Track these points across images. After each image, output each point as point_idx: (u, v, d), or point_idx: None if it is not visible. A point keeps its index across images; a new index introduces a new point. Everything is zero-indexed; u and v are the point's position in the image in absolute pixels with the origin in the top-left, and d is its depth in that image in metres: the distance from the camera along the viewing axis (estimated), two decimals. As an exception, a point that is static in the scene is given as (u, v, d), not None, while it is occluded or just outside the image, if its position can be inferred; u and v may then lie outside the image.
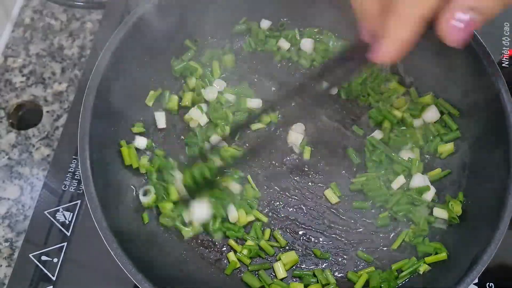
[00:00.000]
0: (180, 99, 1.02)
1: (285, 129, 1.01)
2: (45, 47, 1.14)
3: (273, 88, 1.05)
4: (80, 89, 1.06)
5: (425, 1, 0.56)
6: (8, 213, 0.98)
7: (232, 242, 0.91)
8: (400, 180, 0.94)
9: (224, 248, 0.92)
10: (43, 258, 0.92)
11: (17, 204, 0.99)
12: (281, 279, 0.89)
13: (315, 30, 1.09)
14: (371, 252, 0.92)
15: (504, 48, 1.14)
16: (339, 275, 0.90)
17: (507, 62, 1.13)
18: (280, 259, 0.90)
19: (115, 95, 0.91)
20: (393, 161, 0.96)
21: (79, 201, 0.97)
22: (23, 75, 1.11)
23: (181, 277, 0.87)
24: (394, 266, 0.89)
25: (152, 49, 0.97)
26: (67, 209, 0.96)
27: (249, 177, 0.95)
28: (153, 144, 0.98)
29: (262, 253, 0.91)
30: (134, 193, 0.92)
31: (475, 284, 0.92)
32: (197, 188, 0.86)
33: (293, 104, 1.04)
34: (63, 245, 0.93)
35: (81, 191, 0.97)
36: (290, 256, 0.90)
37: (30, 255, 0.92)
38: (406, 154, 0.97)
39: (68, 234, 0.94)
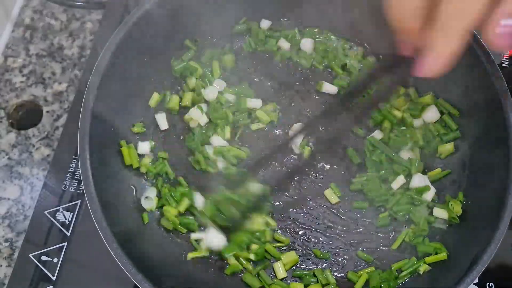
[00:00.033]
0: (180, 99, 1.02)
1: (285, 129, 1.01)
2: (45, 47, 1.14)
3: (273, 88, 1.05)
4: (80, 89, 1.06)
5: (470, 12, 0.55)
6: (8, 213, 0.98)
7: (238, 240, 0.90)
8: (400, 180, 0.94)
9: (224, 248, 0.92)
10: (43, 258, 0.92)
11: (17, 204, 0.99)
12: (281, 279, 0.89)
13: (315, 30, 1.09)
14: (371, 252, 0.92)
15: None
16: (339, 275, 0.90)
17: (507, 62, 1.13)
18: (280, 259, 0.90)
19: (115, 95, 0.91)
20: (393, 161, 0.96)
21: (79, 201, 0.97)
22: (23, 75, 1.11)
23: (181, 277, 0.87)
24: (394, 266, 0.89)
25: (152, 49, 0.97)
26: (67, 209, 0.96)
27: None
28: (156, 144, 0.98)
29: (268, 256, 0.90)
30: (134, 193, 0.92)
31: (475, 284, 0.92)
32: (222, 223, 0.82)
33: (293, 104, 1.04)
34: (63, 245, 0.93)
35: (81, 191, 0.97)
36: (290, 256, 0.90)
37: (30, 255, 0.92)
38: (406, 154, 0.97)
39: (68, 234, 0.94)
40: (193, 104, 1.01)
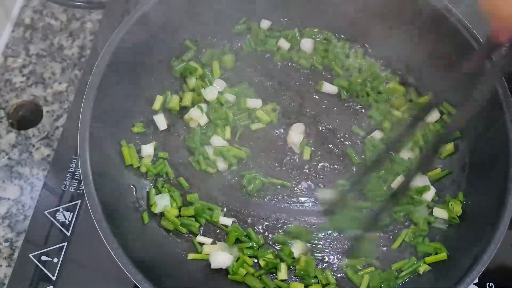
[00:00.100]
0: (180, 99, 1.02)
1: (285, 129, 1.01)
2: (45, 47, 1.14)
3: (273, 88, 1.05)
4: (80, 89, 1.06)
5: None
6: (8, 213, 0.98)
7: (246, 257, 0.90)
8: (400, 180, 0.94)
9: (224, 248, 0.92)
10: (43, 258, 0.92)
11: (17, 204, 0.99)
12: (282, 281, 0.89)
13: (315, 30, 1.09)
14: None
15: (504, 48, 1.14)
16: (339, 275, 0.90)
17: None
18: (283, 260, 0.90)
19: (115, 95, 0.91)
20: (393, 161, 0.96)
21: (79, 201, 0.97)
22: (23, 75, 1.11)
23: (181, 277, 0.87)
24: (394, 266, 0.89)
25: (152, 49, 0.97)
26: (67, 209, 0.96)
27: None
28: (157, 145, 0.98)
29: (278, 262, 0.90)
30: (134, 193, 0.92)
31: (475, 284, 0.92)
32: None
33: (293, 104, 1.04)
34: (63, 245, 0.93)
35: (81, 191, 0.97)
36: (298, 245, 0.90)
37: (30, 255, 0.92)
38: (406, 154, 0.97)
39: (68, 234, 0.94)
40: (193, 104, 1.01)
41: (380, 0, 0.99)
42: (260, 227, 0.94)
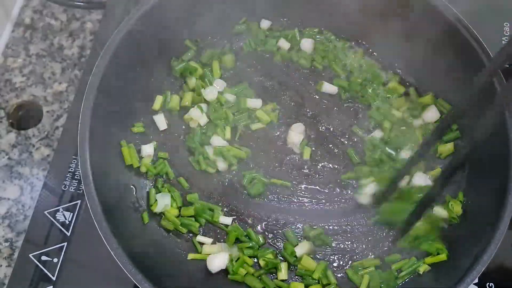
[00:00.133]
0: (180, 99, 1.02)
1: (285, 129, 1.01)
2: (45, 47, 1.14)
3: (273, 88, 1.05)
4: (80, 89, 1.06)
5: None
6: (8, 213, 0.98)
7: (246, 258, 0.90)
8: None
9: (224, 248, 0.92)
10: (43, 258, 0.92)
11: (17, 204, 0.99)
12: (282, 281, 0.89)
13: (315, 30, 1.09)
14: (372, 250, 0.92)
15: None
16: (339, 275, 0.90)
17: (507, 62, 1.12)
18: (284, 259, 0.90)
19: (115, 95, 0.91)
20: (393, 160, 0.96)
21: (79, 201, 0.97)
22: (23, 75, 1.11)
23: (181, 277, 0.87)
24: (394, 266, 0.89)
25: (152, 49, 0.97)
26: (67, 209, 0.96)
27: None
28: (157, 144, 0.98)
29: (278, 262, 0.90)
30: (134, 193, 0.92)
31: (475, 284, 0.92)
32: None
33: (293, 104, 1.04)
34: (63, 245, 0.93)
35: (81, 191, 0.97)
36: (305, 246, 0.90)
37: (30, 255, 0.92)
38: (406, 154, 0.97)
39: (68, 234, 0.94)
40: (193, 104, 1.01)
41: (380, 0, 0.99)
42: (260, 227, 0.94)
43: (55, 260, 0.92)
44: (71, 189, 0.98)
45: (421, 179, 0.93)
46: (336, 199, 0.96)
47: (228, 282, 0.89)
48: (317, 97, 1.05)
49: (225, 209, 0.95)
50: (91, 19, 1.18)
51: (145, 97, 0.99)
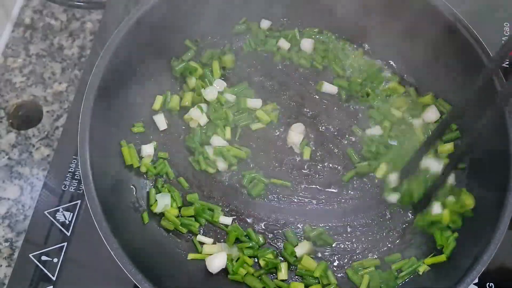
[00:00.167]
0: (180, 99, 1.02)
1: (285, 129, 1.01)
2: (45, 47, 1.14)
3: (273, 88, 1.05)
4: (80, 89, 1.06)
5: None
6: (8, 213, 0.98)
7: (246, 258, 0.90)
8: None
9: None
10: (43, 258, 0.92)
11: (17, 204, 0.99)
12: (282, 281, 0.89)
13: (315, 30, 1.09)
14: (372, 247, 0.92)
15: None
16: (339, 275, 0.90)
17: (507, 62, 1.12)
18: (284, 259, 0.90)
19: (115, 95, 0.91)
20: (390, 149, 0.96)
21: (79, 201, 0.97)
22: (23, 75, 1.11)
23: (181, 277, 0.87)
24: (394, 266, 0.89)
25: (152, 49, 0.97)
26: (67, 209, 0.96)
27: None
28: (157, 144, 0.98)
29: (278, 262, 0.90)
30: (134, 193, 0.92)
31: (475, 284, 0.92)
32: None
33: (293, 104, 1.04)
34: (63, 245, 0.93)
35: (81, 191, 0.97)
36: (305, 245, 0.90)
37: (30, 255, 0.92)
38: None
39: (68, 234, 0.94)
40: (193, 104, 1.01)
41: (380, 0, 0.99)
42: (260, 227, 0.94)
43: (55, 260, 0.92)
44: (71, 189, 0.98)
45: (435, 165, 0.93)
46: (336, 199, 0.96)
47: (228, 282, 0.89)
48: (317, 97, 1.05)
49: (225, 209, 0.95)
50: (91, 19, 1.18)
51: (145, 97, 0.99)
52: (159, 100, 1.00)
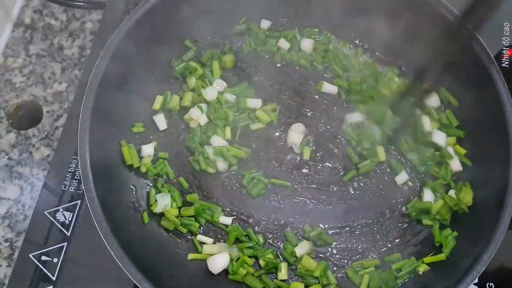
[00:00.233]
0: (180, 99, 1.02)
1: (285, 129, 1.01)
2: (45, 47, 1.14)
3: (273, 88, 1.05)
4: (80, 89, 1.06)
5: None
6: (8, 213, 0.98)
7: (246, 257, 0.90)
8: (403, 177, 0.96)
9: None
10: (43, 258, 0.92)
11: (17, 204, 0.99)
12: (282, 281, 0.89)
13: (315, 30, 1.09)
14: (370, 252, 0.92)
15: (504, 48, 1.14)
16: (339, 275, 0.90)
17: (507, 62, 1.13)
18: (284, 259, 0.91)
19: (115, 95, 0.91)
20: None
21: (79, 201, 0.97)
22: (23, 75, 1.11)
23: (181, 277, 0.87)
24: (394, 266, 0.89)
25: (152, 49, 0.97)
26: (67, 209, 0.96)
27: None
28: (157, 145, 0.98)
29: (278, 262, 0.90)
30: (134, 193, 0.92)
31: (475, 284, 0.92)
32: None
33: (293, 104, 1.04)
34: (63, 245, 0.93)
35: (81, 191, 0.97)
36: (305, 245, 0.90)
37: (30, 255, 0.92)
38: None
39: (68, 234, 0.94)
40: (193, 104, 1.01)
41: (379, 0, 0.99)
42: (260, 227, 0.94)
43: (55, 260, 0.92)
44: (71, 189, 0.98)
45: (440, 138, 0.96)
46: (336, 199, 0.96)
47: (228, 282, 0.89)
48: (317, 97, 1.05)
49: (225, 209, 0.95)
50: (91, 19, 1.18)
51: (145, 97, 0.99)
52: (159, 100, 1.00)
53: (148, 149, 0.96)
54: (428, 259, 0.88)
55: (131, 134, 0.96)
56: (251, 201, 0.96)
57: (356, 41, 1.08)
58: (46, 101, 1.08)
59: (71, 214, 0.95)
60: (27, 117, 1.07)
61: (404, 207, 0.95)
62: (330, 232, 0.93)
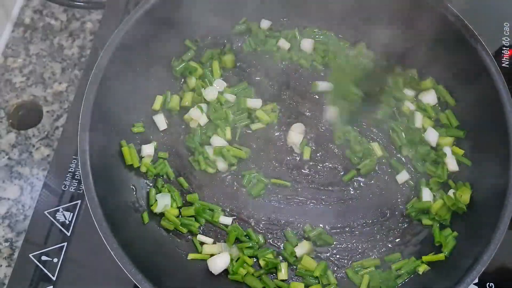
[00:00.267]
0: (180, 99, 1.02)
1: (285, 129, 1.01)
2: (45, 47, 1.14)
3: (273, 88, 1.05)
4: (80, 89, 1.06)
5: None
6: (8, 213, 0.98)
7: (246, 257, 0.90)
8: (404, 176, 0.96)
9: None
10: (43, 258, 0.92)
11: (17, 204, 0.99)
12: (282, 281, 0.89)
13: (315, 30, 1.09)
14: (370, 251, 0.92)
15: (504, 48, 1.14)
16: (339, 275, 0.90)
17: (507, 62, 1.13)
18: (284, 259, 0.90)
19: (115, 95, 0.91)
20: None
21: (79, 201, 0.97)
22: (23, 75, 1.11)
23: (181, 277, 0.87)
24: (394, 266, 0.89)
25: (152, 49, 0.97)
26: (67, 209, 0.96)
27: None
28: (157, 145, 0.98)
29: (278, 262, 0.90)
30: (134, 193, 0.92)
31: (475, 284, 0.92)
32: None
33: (293, 104, 1.04)
34: (63, 245, 0.93)
35: (81, 191, 0.97)
36: (305, 245, 0.90)
37: (30, 255, 0.92)
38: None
39: (68, 234, 0.94)
40: (193, 104, 1.01)
41: (379, 0, 0.99)
42: (260, 227, 0.94)
43: (55, 260, 0.92)
44: (71, 189, 0.98)
45: (432, 136, 0.97)
46: (336, 199, 0.96)
47: (228, 282, 0.89)
48: (317, 97, 1.05)
49: (225, 209, 0.95)
50: (91, 19, 1.18)
51: (145, 97, 0.99)
52: (159, 100, 1.00)
53: (148, 149, 0.96)
54: (428, 258, 0.88)
55: (131, 134, 0.96)
56: (251, 201, 0.96)
57: (356, 41, 1.08)
58: (46, 101, 1.08)
59: (71, 214, 0.95)
60: (27, 117, 1.07)
61: (404, 207, 0.95)
62: (330, 232, 0.93)
